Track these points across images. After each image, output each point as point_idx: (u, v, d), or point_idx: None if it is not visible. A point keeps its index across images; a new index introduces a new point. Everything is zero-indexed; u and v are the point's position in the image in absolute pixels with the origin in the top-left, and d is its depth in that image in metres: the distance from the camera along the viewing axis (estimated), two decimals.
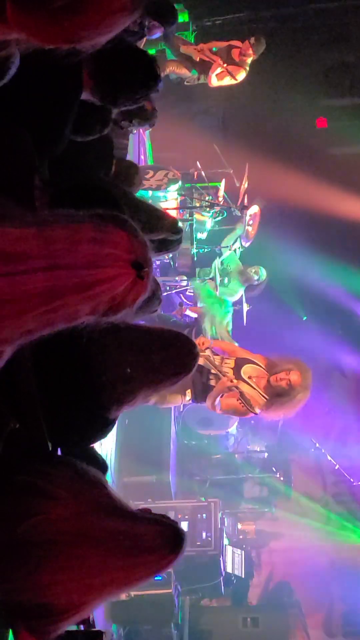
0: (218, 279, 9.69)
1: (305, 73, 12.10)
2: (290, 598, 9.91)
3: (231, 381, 6.27)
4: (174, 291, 9.79)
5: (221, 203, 9.65)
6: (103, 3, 1.65)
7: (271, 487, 10.80)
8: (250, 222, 9.76)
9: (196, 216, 9.66)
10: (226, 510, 9.47)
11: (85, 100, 3.33)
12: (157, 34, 7.63)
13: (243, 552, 9.38)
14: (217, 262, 9.77)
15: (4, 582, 2.01)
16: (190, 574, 8.32)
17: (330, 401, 11.14)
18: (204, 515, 8.60)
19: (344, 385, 11.75)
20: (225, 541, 8.87)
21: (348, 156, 12.32)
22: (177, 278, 9.91)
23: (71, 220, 1.73)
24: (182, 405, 8.55)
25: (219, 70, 9.87)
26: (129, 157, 5.55)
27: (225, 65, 9.82)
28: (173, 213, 9.21)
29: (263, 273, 10.10)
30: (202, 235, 10.06)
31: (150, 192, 9.12)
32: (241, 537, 10.02)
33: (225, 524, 9.09)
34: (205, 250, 10.09)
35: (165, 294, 9.12)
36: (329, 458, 10.58)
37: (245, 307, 10.06)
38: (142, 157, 10.36)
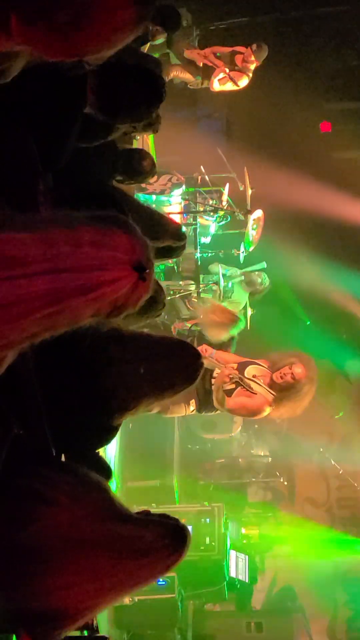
0: (222, 283, 9.69)
1: (309, 77, 12.10)
2: (294, 603, 9.88)
3: (230, 369, 6.24)
4: (177, 295, 9.78)
5: (225, 207, 9.65)
6: (108, 18, 1.65)
7: (275, 492, 10.78)
8: (254, 227, 9.75)
9: (200, 220, 9.66)
10: (230, 514, 9.45)
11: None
12: (161, 39, 7.67)
13: (247, 556, 9.35)
14: (219, 268, 9.78)
15: (7, 588, 2.01)
16: (194, 579, 8.31)
17: (334, 406, 11.12)
18: (208, 519, 8.58)
19: (348, 389, 11.72)
20: (229, 545, 8.85)
21: (352, 160, 12.30)
22: (181, 282, 9.91)
23: (71, 222, 1.72)
24: None
25: (221, 75, 9.89)
26: None
27: (227, 70, 9.84)
28: (177, 217, 9.21)
29: (266, 279, 10.10)
30: (206, 240, 10.06)
31: (153, 197, 9.12)
32: (245, 541, 9.99)
33: (229, 529, 9.08)
34: (209, 254, 10.09)
35: (169, 298, 9.11)
36: (333, 463, 10.57)
37: (249, 312, 10.05)
38: None
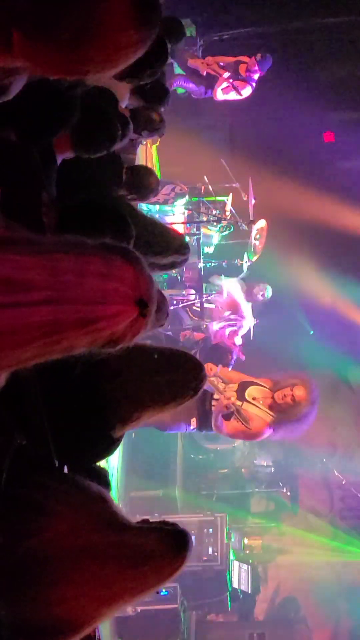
0: (225, 293, 9.71)
1: (312, 87, 12.12)
2: (297, 614, 9.86)
3: (228, 399, 6.24)
4: (180, 305, 9.79)
5: (228, 217, 9.67)
6: (110, 37, 1.64)
7: (278, 502, 10.76)
8: (258, 237, 9.77)
9: (203, 230, 9.68)
10: (233, 525, 9.45)
11: (94, 116, 3.35)
12: None
13: (250, 567, 9.34)
14: (222, 278, 9.80)
15: (9, 600, 2.01)
16: (197, 589, 8.30)
17: (337, 416, 11.11)
18: (211, 529, 8.58)
19: (351, 399, 11.71)
20: (232, 556, 8.84)
21: (356, 170, 12.32)
22: (184, 292, 9.92)
23: (79, 250, 1.71)
24: None
25: (224, 84, 9.92)
26: None
27: (231, 80, 9.87)
28: (180, 227, 9.23)
29: (269, 293, 10.11)
30: (209, 250, 10.07)
31: (157, 206, 9.14)
32: (248, 552, 9.98)
33: (232, 539, 9.07)
34: (213, 264, 10.10)
35: (172, 308, 9.12)
36: (336, 473, 10.55)
37: (253, 322, 10.06)
38: None
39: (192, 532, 8.43)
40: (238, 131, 12.41)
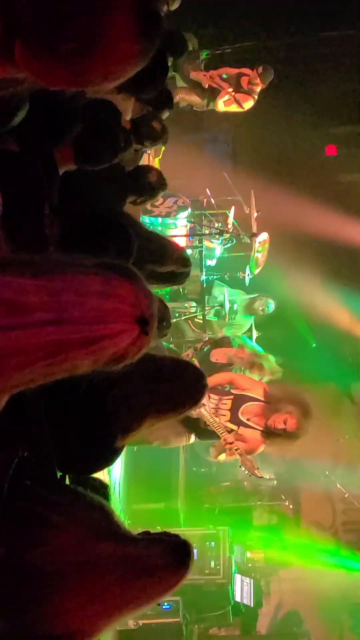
0: (227, 305, 9.71)
1: (314, 100, 12.18)
2: (300, 628, 9.80)
3: (230, 443, 6.25)
4: (183, 318, 9.79)
5: (230, 230, 9.69)
6: (112, 49, 1.65)
7: (280, 516, 10.72)
8: (260, 249, 9.78)
9: (205, 243, 9.70)
10: (235, 538, 9.39)
11: (96, 129, 3.36)
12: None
13: (252, 580, 9.29)
14: (224, 290, 9.81)
15: (13, 612, 2.00)
16: (199, 603, 8.26)
17: (339, 428, 11.10)
18: (213, 543, 8.54)
19: (353, 412, 11.69)
20: (234, 569, 8.80)
21: (358, 183, 12.36)
22: (186, 304, 9.92)
23: (79, 270, 1.72)
24: None
25: (226, 97, 9.96)
26: None
27: (233, 92, 9.91)
28: (182, 240, 9.25)
29: (271, 307, 10.12)
30: (212, 262, 10.08)
31: (159, 219, 9.15)
32: (250, 565, 9.93)
33: (234, 552, 9.02)
34: (215, 277, 10.11)
35: (174, 320, 9.12)
36: (339, 486, 10.52)
37: (255, 334, 10.07)
38: None
39: (194, 545, 8.38)
40: (240, 144, 12.46)
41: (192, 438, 6.49)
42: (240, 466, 6.33)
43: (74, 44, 1.61)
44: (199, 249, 9.58)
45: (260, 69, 9.94)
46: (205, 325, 9.83)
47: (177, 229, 9.37)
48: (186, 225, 9.54)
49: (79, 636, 2.03)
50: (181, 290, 9.91)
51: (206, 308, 9.81)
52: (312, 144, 12.12)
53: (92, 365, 1.70)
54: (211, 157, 11.47)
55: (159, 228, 9.08)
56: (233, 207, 9.89)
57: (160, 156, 9.50)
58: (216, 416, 6.37)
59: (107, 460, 2.78)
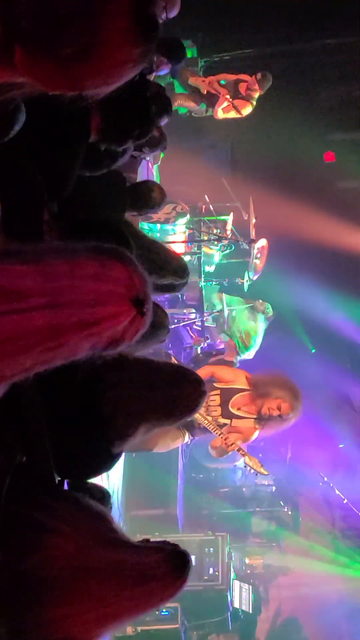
0: (226, 311, 9.72)
1: (313, 107, 12.21)
2: (299, 634, 9.79)
3: (230, 444, 6.28)
4: (182, 324, 9.80)
5: (229, 236, 9.70)
6: (111, 53, 1.66)
7: (279, 521, 10.72)
8: (258, 256, 9.79)
9: (204, 249, 9.71)
10: (234, 544, 9.39)
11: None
12: (165, 70, 7.73)
13: (251, 587, 9.28)
14: (223, 296, 9.82)
15: (12, 617, 2.01)
16: (198, 609, 8.25)
17: (338, 434, 11.10)
18: (211, 549, 8.53)
19: (352, 418, 11.69)
20: (233, 576, 8.79)
21: (356, 190, 12.38)
22: (185, 311, 9.93)
23: (71, 254, 1.73)
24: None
25: (225, 104, 9.97)
26: None
27: (231, 99, 9.93)
28: (181, 246, 9.26)
29: (270, 310, 10.13)
30: (210, 269, 10.10)
31: (158, 225, 9.16)
32: (249, 571, 9.92)
33: (233, 559, 9.02)
34: (214, 283, 10.12)
35: (173, 326, 9.13)
36: (337, 492, 10.51)
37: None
38: None
39: (193, 551, 8.39)
40: (239, 151, 12.49)
41: (187, 437, 6.52)
42: (245, 466, 6.35)
43: (73, 49, 1.63)
44: (198, 255, 9.59)
45: (259, 76, 9.96)
46: (204, 332, 9.85)
47: (175, 235, 9.38)
48: (185, 232, 9.55)
49: None
50: (180, 296, 9.92)
51: (205, 314, 9.81)
52: (310, 151, 12.13)
53: (90, 349, 1.71)
54: (210, 164, 11.49)
55: (158, 234, 9.10)
56: (232, 214, 9.91)
57: (159, 162, 9.52)
58: (207, 414, 6.39)
59: (105, 465, 2.78)
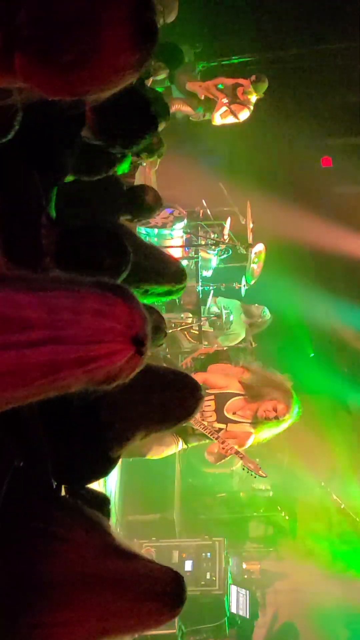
0: (224, 316, 9.71)
1: (310, 112, 12.21)
2: (296, 639, 9.78)
3: (227, 448, 6.24)
4: (179, 328, 9.79)
5: (226, 241, 9.70)
6: (110, 60, 1.67)
7: (276, 527, 10.71)
8: (256, 260, 9.79)
9: (201, 254, 9.70)
10: (231, 549, 9.38)
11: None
12: (163, 75, 7.74)
13: (248, 592, 9.27)
14: (220, 300, 9.81)
15: (13, 620, 2.00)
16: (195, 614, 8.23)
17: (335, 440, 11.09)
18: (209, 554, 8.51)
19: (349, 424, 11.69)
20: (230, 581, 8.78)
21: (353, 195, 12.39)
22: (182, 315, 9.92)
23: (75, 287, 1.73)
24: None
25: (223, 109, 9.98)
26: None
27: (229, 104, 9.93)
28: (178, 250, 9.25)
29: (266, 313, 10.13)
30: (208, 273, 10.09)
31: (155, 230, 9.16)
32: (246, 576, 9.92)
33: (230, 564, 9.00)
34: (211, 287, 10.12)
35: (170, 331, 9.12)
36: (335, 497, 10.51)
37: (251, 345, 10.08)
38: None
39: (190, 556, 8.38)
40: (236, 156, 12.48)
41: (181, 444, 6.48)
42: (243, 468, 6.30)
43: (73, 56, 1.63)
44: (195, 259, 9.58)
45: (253, 78, 9.98)
46: (201, 336, 9.84)
47: (173, 239, 9.38)
48: (182, 236, 9.54)
49: None
50: (177, 301, 9.91)
51: (202, 319, 9.81)
52: (307, 155, 12.14)
53: (86, 384, 1.71)
54: (207, 168, 11.48)
55: (155, 239, 9.10)
56: (229, 218, 9.90)
57: (157, 167, 9.52)
58: (203, 419, 6.36)
59: (103, 470, 2.78)
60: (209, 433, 6.26)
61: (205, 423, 6.36)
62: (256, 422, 6.37)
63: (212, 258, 9.93)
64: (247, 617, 9.19)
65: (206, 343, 9.81)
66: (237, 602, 8.96)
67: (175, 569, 2.27)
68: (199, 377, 6.93)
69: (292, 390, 6.42)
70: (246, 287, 9.96)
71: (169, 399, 2.74)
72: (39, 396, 1.68)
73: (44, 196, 2.89)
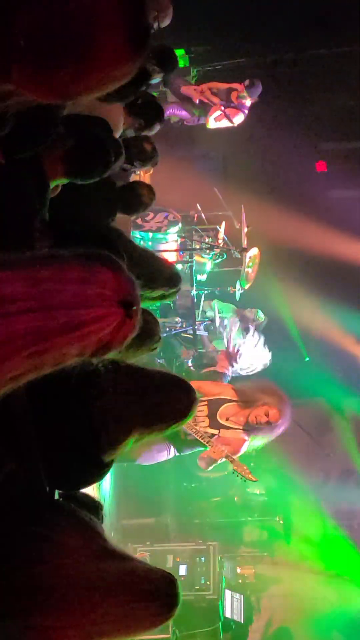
0: (217, 320, 9.71)
1: (305, 117, 12.24)
2: None
3: (218, 453, 6.23)
4: (173, 333, 9.79)
5: (221, 245, 9.71)
6: (106, 70, 1.68)
7: (271, 531, 10.70)
8: (250, 264, 9.80)
9: (196, 258, 9.71)
10: (225, 554, 9.37)
11: (87, 142, 3.37)
12: (157, 79, 7.74)
13: (242, 596, 9.25)
14: (215, 304, 9.81)
15: (9, 621, 2.00)
16: (189, 619, 8.21)
17: (330, 445, 11.09)
18: (203, 558, 8.51)
19: (344, 429, 11.69)
20: (224, 585, 8.77)
21: (348, 200, 12.41)
22: (176, 319, 9.92)
23: (58, 260, 1.72)
24: None
25: (217, 113, 10.00)
26: None
27: (223, 108, 9.94)
28: (173, 255, 9.26)
29: (260, 314, 10.14)
30: (202, 277, 10.10)
31: (150, 234, 9.16)
32: (240, 581, 9.89)
33: (224, 568, 8.99)
34: (205, 292, 10.12)
35: (164, 335, 9.12)
36: (329, 502, 10.51)
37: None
38: None
39: (184, 560, 8.38)
40: (231, 160, 12.50)
41: (173, 452, 6.47)
42: (233, 472, 6.30)
43: (70, 69, 1.64)
44: (190, 264, 9.59)
45: (247, 82, 10.00)
46: (195, 340, 9.85)
47: (167, 243, 9.39)
48: (177, 240, 9.55)
49: None
50: (171, 305, 9.92)
51: (196, 323, 9.82)
52: (302, 160, 12.17)
53: (79, 354, 1.68)
54: (202, 172, 11.49)
55: (150, 243, 9.10)
56: (224, 222, 9.91)
57: (151, 172, 9.52)
58: (195, 424, 6.35)
59: (96, 474, 2.77)
60: (200, 437, 6.25)
61: (198, 428, 6.35)
62: (249, 427, 6.36)
63: (206, 262, 9.94)
64: (242, 621, 9.18)
65: (200, 348, 9.81)
66: (232, 606, 8.95)
67: None
68: (192, 385, 6.91)
69: (285, 396, 6.41)
70: (241, 291, 9.97)
71: (163, 401, 2.74)
72: (33, 371, 1.64)
73: (37, 199, 2.89)
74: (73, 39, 1.63)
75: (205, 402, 6.55)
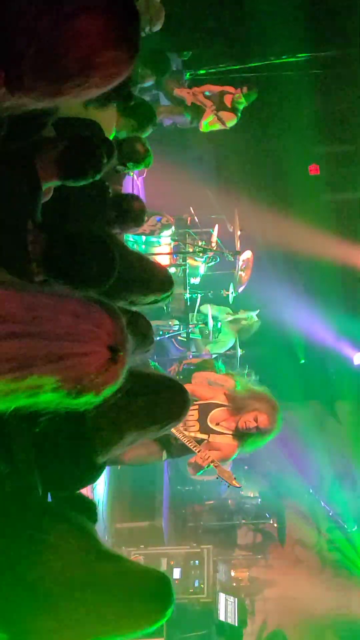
0: (211, 323, 9.72)
1: (297, 120, 12.26)
2: None
3: (206, 458, 6.20)
4: (166, 335, 9.80)
5: (214, 248, 9.71)
6: (105, 78, 1.69)
7: (265, 534, 10.70)
8: (243, 267, 9.81)
9: (189, 261, 9.71)
10: (219, 557, 9.36)
11: (79, 144, 3.38)
12: (150, 82, 7.76)
13: (236, 599, 9.24)
14: (209, 308, 9.82)
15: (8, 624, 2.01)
16: (183, 622, 8.19)
17: (324, 447, 11.10)
18: (197, 562, 8.49)
19: (337, 431, 11.71)
20: (219, 588, 8.76)
21: (340, 203, 12.45)
22: (170, 322, 9.93)
23: (59, 292, 1.71)
24: None
25: (210, 117, 10.00)
26: None
27: (216, 111, 9.96)
28: (166, 258, 9.26)
29: (251, 315, 10.15)
30: (195, 280, 10.10)
31: (143, 237, 9.17)
32: (235, 584, 9.89)
33: (219, 571, 8.98)
34: (199, 295, 10.13)
35: (157, 338, 9.12)
36: (323, 505, 10.52)
37: (239, 352, 10.08)
38: None
39: (178, 564, 8.36)
40: (224, 163, 12.51)
41: (164, 455, 6.44)
42: (217, 477, 6.27)
43: (72, 86, 1.64)
44: (183, 267, 9.60)
45: (244, 89, 10.00)
46: (189, 343, 9.85)
47: (160, 247, 9.39)
48: (170, 244, 9.55)
49: None
50: (165, 308, 9.92)
51: (190, 326, 9.82)
52: (295, 163, 12.19)
53: (57, 386, 1.65)
54: (195, 176, 11.49)
55: (143, 246, 9.11)
56: (217, 226, 9.92)
57: (144, 175, 9.53)
58: (185, 429, 6.33)
59: (90, 476, 2.76)
60: (187, 442, 6.23)
61: (187, 433, 6.33)
62: (238, 433, 6.34)
63: (199, 265, 9.94)
64: (236, 624, 9.16)
65: (194, 351, 9.82)
66: (226, 609, 8.94)
67: None
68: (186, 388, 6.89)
69: (275, 402, 6.38)
70: (234, 294, 9.98)
71: (157, 402, 2.74)
72: (7, 395, 1.62)
73: (30, 201, 2.89)
74: (77, 70, 1.64)
75: (197, 406, 6.52)
